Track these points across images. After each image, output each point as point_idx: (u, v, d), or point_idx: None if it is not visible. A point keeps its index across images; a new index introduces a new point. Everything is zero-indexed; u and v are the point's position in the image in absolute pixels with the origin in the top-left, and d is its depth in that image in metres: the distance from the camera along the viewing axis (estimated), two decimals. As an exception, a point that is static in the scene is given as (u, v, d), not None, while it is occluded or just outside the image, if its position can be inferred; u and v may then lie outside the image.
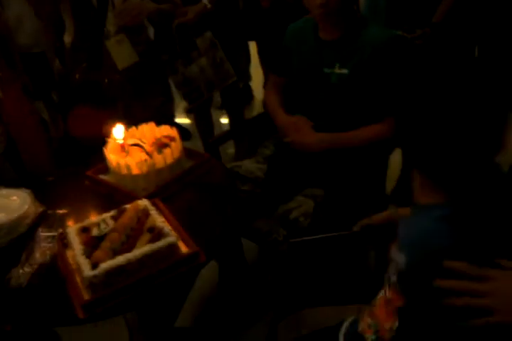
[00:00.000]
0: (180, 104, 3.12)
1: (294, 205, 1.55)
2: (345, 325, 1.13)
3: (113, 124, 1.40)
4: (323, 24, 1.59)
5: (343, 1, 1.48)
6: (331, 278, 1.80)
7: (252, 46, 2.90)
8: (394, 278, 0.90)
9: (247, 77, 3.19)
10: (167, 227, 1.12)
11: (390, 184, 2.20)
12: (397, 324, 0.94)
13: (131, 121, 1.51)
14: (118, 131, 1.40)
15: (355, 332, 1.08)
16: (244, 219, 1.61)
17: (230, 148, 2.66)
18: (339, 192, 1.61)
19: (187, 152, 1.48)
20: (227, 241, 1.47)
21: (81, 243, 1.09)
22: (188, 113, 3.11)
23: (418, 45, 2.10)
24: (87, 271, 1.00)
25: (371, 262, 1.82)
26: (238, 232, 1.67)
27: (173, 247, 1.08)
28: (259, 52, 2.78)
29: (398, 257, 0.87)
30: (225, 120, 2.88)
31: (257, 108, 3.16)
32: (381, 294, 1.02)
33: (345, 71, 1.57)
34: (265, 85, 1.92)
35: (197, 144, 2.49)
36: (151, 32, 2.15)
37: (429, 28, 2.12)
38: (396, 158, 2.18)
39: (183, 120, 3.12)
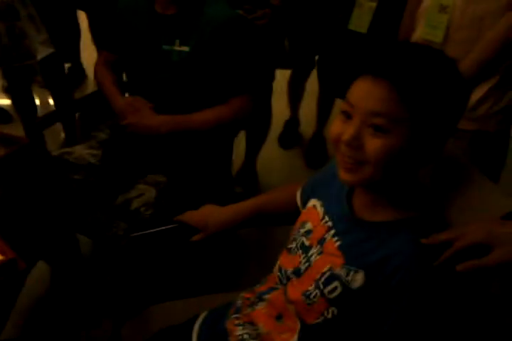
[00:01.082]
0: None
1: (135, 194, 1.42)
2: (201, 318, 1.05)
3: None
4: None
5: None
6: (176, 271, 1.71)
7: (83, 18, 2.62)
8: (329, 293, 0.82)
9: (76, 53, 2.88)
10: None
11: (236, 166, 2.17)
12: (295, 339, 0.87)
13: None
14: None
15: (216, 326, 1.00)
16: (78, 213, 1.43)
17: (61, 133, 2.38)
18: (182, 177, 1.52)
19: (1, 137, 1.25)
20: (58, 239, 1.28)
21: None
22: (6, 92, 2.72)
23: (258, 26, 2.08)
24: None
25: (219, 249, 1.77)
26: (72, 228, 1.47)
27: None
28: (90, 25, 2.52)
29: (345, 273, 0.81)
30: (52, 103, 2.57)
31: (90, 88, 2.88)
32: (267, 295, 0.95)
33: (186, 48, 1.48)
34: (96, 62, 1.72)
35: (19, 129, 2.17)
36: None
37: (269, 9, 2.11)
38: (241, 140, 2.16)
39: (1, 101, 2.71)
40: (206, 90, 1.53)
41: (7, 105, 2.67)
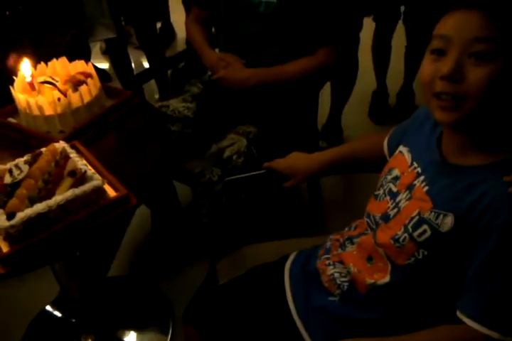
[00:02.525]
0: (96, 46, 2.89)
1: (227, 144, 1.49)
2: (291, 258, 1.11)
3: (19, 60, 1.23)
4: None
5: None
6: (268, 215, 1.79)
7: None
8: (418, 236, 0.84)
9: (165, 12, 2.97)
10: (90, 171, 1.02)
11: (321, 120, 2.19)
12: (387, 280, 0.90)
13: (41, 59, 1.34)
14: (25, 68, 1.23)
15: (306, 266, 1.06)
16: (175, 161, 1.53)
17: (155, 93, 2.51)
18: (271, 128, 1.57)
19: (107, 90, 1.35)
20: (158, 184, 1.39)
21: (-7, 192, 0.97)
22: (104, 54, 2.88)
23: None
24: (3, 222, 0.89)
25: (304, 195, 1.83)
26: (170, 175, 1.59)
27: (99, 191, 0.99)
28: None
29: (434, 217, 0.82)
30: (146, 63, 2.69)
31: (180, 47, 2.97)
32: (357, 239, 0.98)
33: (273, 0, 1.47)
34: (186, 19, 1.78)
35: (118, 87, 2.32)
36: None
37: None
38: (326, 95, 2.17)
39: (99, 64, 2.89)
40: (293, 41, 1.54)
41: (105, 68, 2.85)
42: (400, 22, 2.19)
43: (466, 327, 0.79)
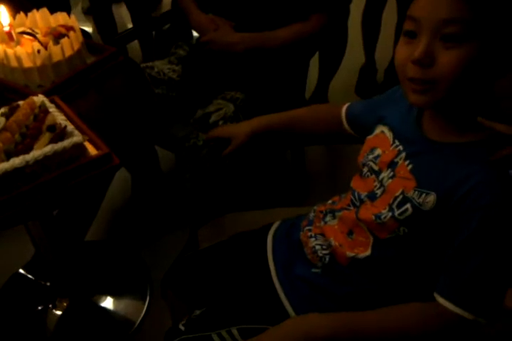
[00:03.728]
0: (77, 6, 2.77)
1: (213, 109, 1.45)
2: (274, 227, 1.09)
3: (-6, 7, 1.16)
4: None
5: None
6: (252, 183, 1.77)
7: None
8: (399, 215, 0.83)
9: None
10: (71, 126, 0.97)
11: (309, 89, 2.15)
12: (368, 253, 0.89)
13: (19, 9, 1.26)
14: (3, 17, 1.16)
15: (290, 236, 1.04)
16: (158, 125, 1.49)
17: (138, 55, 2.42)
18: (259, 95, 1.53)
19: (89, 46, 1.28)
20: (140, 147, 1.35)
21: (-35, 145, 0.91)
22: (86, 14, 2.77)
23: None
24: (-24, 175, 0.85)
25: (287, 164, 1.81)
26: (152, 138, 1.55)
27: (79, 147, 0.94)
28: None
29: (417, 196, 0.80)
30: (129, 23, 2.59)
31: (166, 8, 2.87)
32: (339, 212, 0.96)
33: None
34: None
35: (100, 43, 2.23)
36: None
37: None
38: (315, 63, 2.12)
39: (81, 26, 2.78)
40: (285, 7, 1.49)
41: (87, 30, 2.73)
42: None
43: (439, 305, 0.78)
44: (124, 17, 2.64)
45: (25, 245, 1.39)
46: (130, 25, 2.52)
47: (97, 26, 2.35)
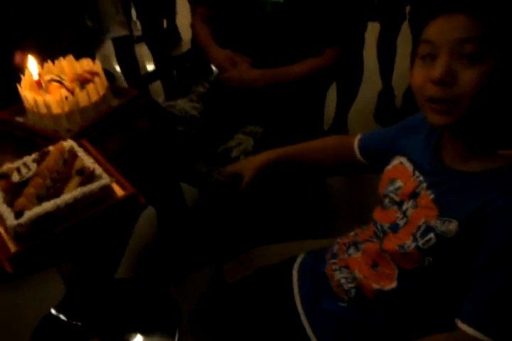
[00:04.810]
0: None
1: (234, 144, 1.48)
2: (299, 260, 1.09)
3: (25, 58, 1.22)
4: None
5: None
6: (274, 216, 1.77)
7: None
8: (423, 245, 0.82)
9: (172, 13, 2.97)
10: (99, 169, 1.01)
11: (327, 122, 2.17)
12: (394, 286, 0.88)
13: (46, 57, 1.33)
14: (32, 66, 1.22)
15: (315, 269, 1.04)
16: (182, 162, 1.52)
17: (160, 94, 2.50)
18: (278, 128, 1.56)
19: (113, 89, 1.34)
20: (165, 184, 1.38)
21: (0, 191, 0.96)
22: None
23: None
24: (11, 220, 0.88)
25: (310, 197, 1.81)
26: (176, 175, 1.58)
27: (107, 190, 0.98)
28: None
29: (440, 224, 0.81)
30: (150, 65, 2.69)
31: (185, 48, 2.97)
32: (362, 245, 0.96)
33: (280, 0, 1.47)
34: (193, 19, 1.77)
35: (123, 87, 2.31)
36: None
37: None
38: (333, 95, 2.16)
39: (106, 66, 2.89)
40: (300, 42, 1.53)
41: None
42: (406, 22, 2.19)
43: (462, 333, 0.76)
44: (144, 56, 2.74)
45: (55, 286, 1.41)
46: (151, 64, 2.62)
47: (121, 68, 2.45)
